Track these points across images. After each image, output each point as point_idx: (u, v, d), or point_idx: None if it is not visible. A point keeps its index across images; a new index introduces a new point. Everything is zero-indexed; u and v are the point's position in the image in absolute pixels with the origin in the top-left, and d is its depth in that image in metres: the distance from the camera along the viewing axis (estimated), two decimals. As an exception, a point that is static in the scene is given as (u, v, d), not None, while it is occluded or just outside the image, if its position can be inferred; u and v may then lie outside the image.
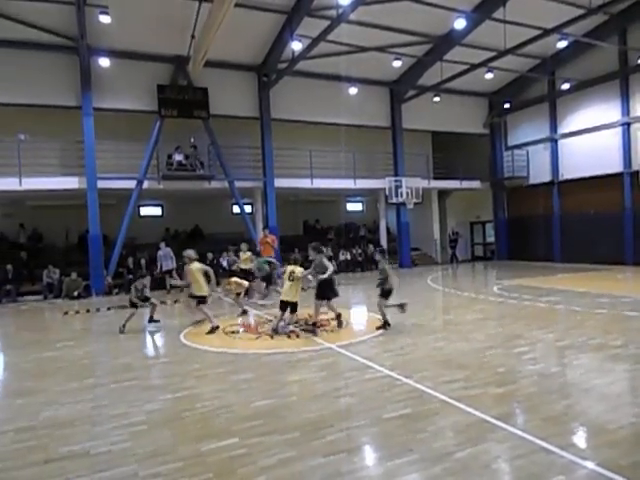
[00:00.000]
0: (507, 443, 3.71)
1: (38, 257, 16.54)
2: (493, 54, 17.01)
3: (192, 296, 8.55)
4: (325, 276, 7.75)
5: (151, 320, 9.27)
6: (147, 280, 9.84)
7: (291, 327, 8.03)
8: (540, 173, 20.89)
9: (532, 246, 21.24)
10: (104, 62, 14.86)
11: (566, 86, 18.69)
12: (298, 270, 7.77)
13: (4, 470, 3.60)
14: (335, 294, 8.16)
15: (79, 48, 14.32)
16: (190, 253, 8.66)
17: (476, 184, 22.33)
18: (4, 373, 6.76)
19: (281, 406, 4.64)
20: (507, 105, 21.42)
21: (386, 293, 7.85)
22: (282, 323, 7.95)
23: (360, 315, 10.19)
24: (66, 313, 11.72)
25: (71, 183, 15.15)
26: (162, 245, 15.63)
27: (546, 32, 14.82)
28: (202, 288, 8.42)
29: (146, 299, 9.09)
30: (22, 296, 14.95)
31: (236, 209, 19.34)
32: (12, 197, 16.13)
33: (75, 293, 14.48)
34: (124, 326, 8.70)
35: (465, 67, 17.75)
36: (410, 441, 3.78)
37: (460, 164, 21.68)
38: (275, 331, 7.80)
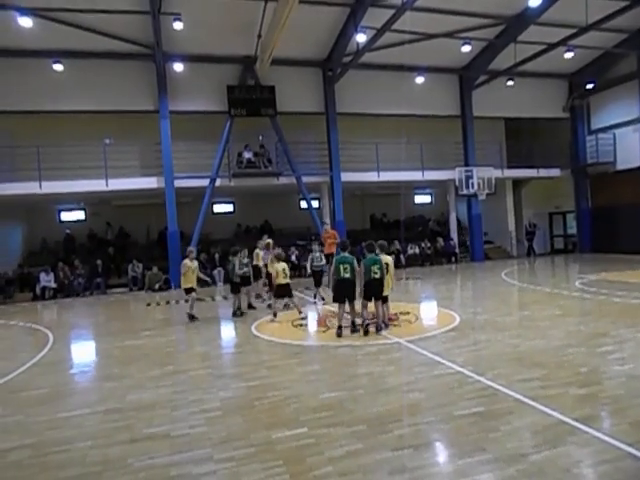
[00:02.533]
0: (589, 447, 3.47)
1: (124, 252, 17.87)
2: (573, 31, 15.88)
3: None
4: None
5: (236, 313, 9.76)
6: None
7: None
8: (629, 158, 19.13)
9: (619, 238, 19.52)
10: (178, 67, 15.67)
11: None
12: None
13: (95, 447, 3.95)
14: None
15: (155, 55, 15.20)
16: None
17: (555, 172, 20.92)
18: (96, 358, 7.39)
19: (349, 398, 4.67)
20: (590, 85, 19.83)
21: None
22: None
23: (429, 310, 9.97)
24: (149, 304, 12.58)
25: (150, 183, 16.17)
26: (264, 237, 13.28)
27: (633, 3, 13.53)
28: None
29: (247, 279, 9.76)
30: (110, 288, 16.26)
31: (303, 204, 19.63)
32: (99, 197, 17.52)
33: (156, 286, 15.49)
34: (239, 309, 9.67)
35: (541, 47, 16.73)
36: (482, 440, 3.65)
37: (536, 151, 20.40)
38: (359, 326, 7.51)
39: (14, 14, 12.67)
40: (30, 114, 15.54)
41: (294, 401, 4.67)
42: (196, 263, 9.80)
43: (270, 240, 11.25)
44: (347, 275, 7.37)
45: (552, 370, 5.16)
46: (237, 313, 9.68)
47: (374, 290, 7.28)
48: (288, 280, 8.99)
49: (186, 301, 10.01)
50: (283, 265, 9.03)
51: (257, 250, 11.25)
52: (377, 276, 7.24)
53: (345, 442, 3.74)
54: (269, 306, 10.05)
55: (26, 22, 12.78)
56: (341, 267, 7.39)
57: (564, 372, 5.08)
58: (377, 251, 7.57)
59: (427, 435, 3.84)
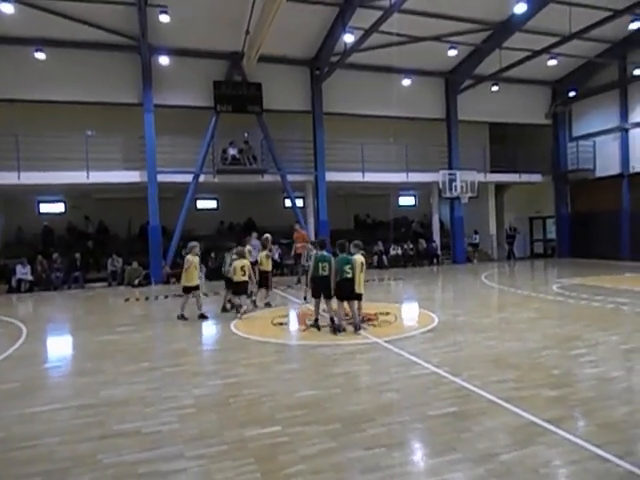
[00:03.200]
0: (558, 448, 3.53)
1: (103, 246, 17.59)
2: (557, 39, 16.15)
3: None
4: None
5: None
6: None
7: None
8: (608, 165, 19.56)
9: (597, 243, 19.93)
10: (164, 60, 15.47)
11: (638, 71, 17.33)
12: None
13: (64, 443, 3.87)
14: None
15: (140, 47, 14.99)
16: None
17: (537, 177, 21.27)
18: (70, 353, 7.26)
19: (324, 397, 4.66)
20: (572, 93, 20.21)
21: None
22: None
23: (408, 311, 10.03)
24: (127, 300, 12.40)
25: (133, 177, 15.94)
26: (254, 235, 13.76)
27: (617, 13, 13.83)
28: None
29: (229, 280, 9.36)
30: (89, 283, 15.98)
31: (288, 202, 19.57)
32: (80, 190, 17.20)
33: (136, 281, 15.29)
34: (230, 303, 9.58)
35: (526, 54, 16.96)
36: (454, 440, 3.68)
37: (519, 157, 20.70)
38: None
39: (-5, -1, 12.35)
40: (10, 102, 15.17)
41: (269, 399, 4.65)
42: (198, 259, 9.29)
43: (269, 235, 10.97)
44: (324, 273, 7.48)
45: (526, 372, 5.24)
46: (226, 308, 9.63)
47: (346, 290, 7.33)
48: (246, 278, 8.90)
49: (166, 297, 9.86)
50: (243, 262, 8.91)
51: (248, 247, 10.88)
52: (349, 276, 7.29)
53: (318, 440, 3.74)
54: (253, 302, 10.02)
55: (7, 8, 12.48)
56: (320, 265, 7.49)
57: (537, 374, 5.15)
58: (352, 250, 7.60)
59: (400, 434, 3.86)
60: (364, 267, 7.62)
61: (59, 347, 7.84)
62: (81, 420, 4.31)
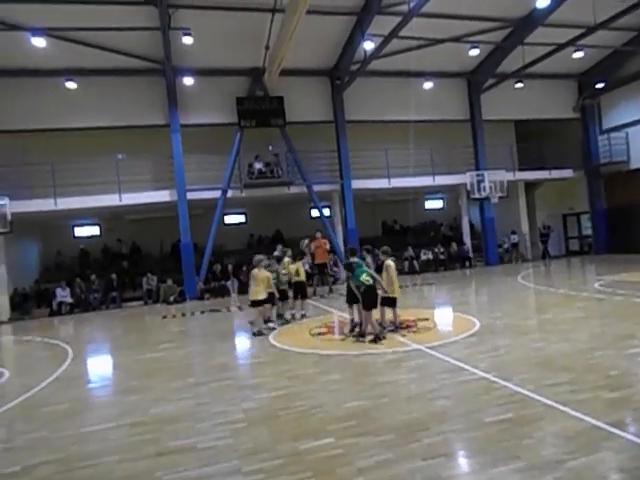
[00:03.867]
0: (627, 453, 3.36)
1: (137, 266, 17.98)
2: (582, 31, 15.79)
3: None
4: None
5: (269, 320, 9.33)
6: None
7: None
8: (643, 156, 18.91)
9: (636, 237, 19.19)
10: (188, 81, 15.85)
11: (670, 57, 16.79)
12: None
13: (122, 461, 3.92)
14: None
15: (165, 70, 15.40)
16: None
17: (568, 173, 20.72)
18: (116, 372, 7.40)
19: (373, 407, 4.60)
20: (600, 85, 19.67)
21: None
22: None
23: (447, 316, 9.86)
24: (164, 317, 12.61)
25: (163, 196, 16.30)
26: (279, 248, 14.65)
27: (644, 0, 13.43)
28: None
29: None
30: (125, 302, 16.35)
31: (314, 213, 19.63)
32: (113, 212, 17.70)
33: (171, 298, 15.54)
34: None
35: (550, 48, 16.65)
36: (515, 447, 3.56)
37: (548, 153, 20.25)
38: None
39: (27, 35, 12.93)
40: (44, 132, 15.79)
41: (319, 411, 4.61)
42: (265, 273, 8.71)
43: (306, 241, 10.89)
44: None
45: (580, 374, 5.05)
46: (286, 319, 9.65)
47: (370, 298, 7.33)
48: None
49: (202, 313, 9.91)
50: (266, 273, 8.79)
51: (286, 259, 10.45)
52: (369, 282, 7.27)
53: (374, 452, 3.68)
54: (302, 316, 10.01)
55: (39, 42, 13.02)
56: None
57: (593, 375, 4.96)
58: (381, 257, 7.78)
59: (458, 443, 3.77)
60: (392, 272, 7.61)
61: (104, 367, 8.01)
62: (135, 438, 4.36)
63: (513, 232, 20.68)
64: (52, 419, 5.10)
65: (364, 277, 7.30)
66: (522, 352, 6.12)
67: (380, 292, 7.50)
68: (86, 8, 12.91)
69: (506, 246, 20.67)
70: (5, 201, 14.48)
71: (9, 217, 14.46)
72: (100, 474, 3.73)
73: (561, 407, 4.21)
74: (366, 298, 7.32)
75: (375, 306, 7.43)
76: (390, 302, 7.77)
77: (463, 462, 3.49)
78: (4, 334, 12.79)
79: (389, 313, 7.95)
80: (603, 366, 5.24)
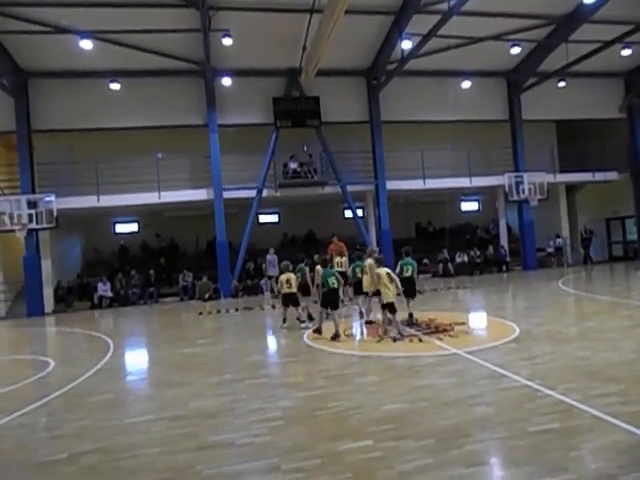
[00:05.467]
0: (686, 470, 3.18)
1: (174, 262, 18.40)
2: (630, 27, 15.13)
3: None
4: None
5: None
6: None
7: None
8: (695, 158, 17.96)
9: (687, 243, 18.27)
10: (226, 81, 16.11)
11: None
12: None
13: (164, 453, 4.00)
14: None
15: (204, 71, 15.69)
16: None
17: (612, 175, 19.92)
18: (155, 366, 7.58)
19: (412, 411, 4.53)
20: (649, 83, 18.82)
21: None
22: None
23: (484, 320, 9.63)
24: (200, 313, 12.85)
25: (200, 195, 16.63)
26: (271, 251, 16.39)
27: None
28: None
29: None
30: (162, 297, 16.74)
31: (348, 213, 19.58)
32: (152, 209, 18.17)
33: (206, 295, 15.83)
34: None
35: (595, 46, 16.03)
36: (563, 459, 3.42)
37: (591, 154, 19.51)
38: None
39: (76, 37, 13.44)
40: (89, 131, 16.38)
41: (356, 412, 4.58)
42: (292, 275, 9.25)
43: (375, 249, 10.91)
44: (407, 274, 8.51)
45: (631, 385, 4.82)
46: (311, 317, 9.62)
47: (334, 299, 8.02)
48: (293, 290, 9.18)
49: (236, 310, 10.03)
50: (288, 275, 9.17)
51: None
52: (334, 286, 7.98)
53: (414, 456, 3.61)
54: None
55: (87, 45, 13.52)
56: (404, 268, 8.52)
57: (645, 387, 4.73)
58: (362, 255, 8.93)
59: (501, 451, 3.66)
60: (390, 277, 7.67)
61: (144, 360, 8.23)
62: (176, 431, 4.45)
63: (557, 236, 20.05)
64: (96, 409, 5.26)
65: (332, 280, 7.95)
66: (566, 360, 5.90)
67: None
68: (130, 11, 13.32)
69: (550, 250, 20.05)
70: (52, 198, 15.10)
71: (55, 213, 15.07)
72: (143, 465, 3.82)
73: (611, 419, 4.02)
74: (325, 298, 7.99)
75: (335, 307, 7.97)
76: (385, 306, 7.67)
77: (508, 471, 3.38)
78: (49, 326, 13.34)
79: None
80: (655, 378, 5.00)
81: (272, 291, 15.40)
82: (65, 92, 15.65)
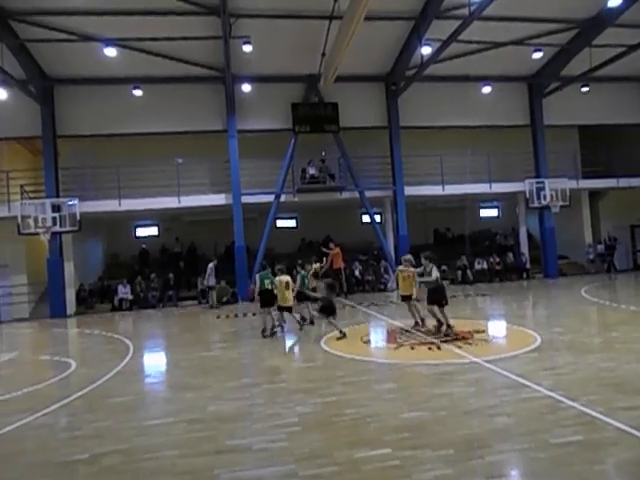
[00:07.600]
0: None
1: (193, 266, 18.58)
2: (657, 31, 14.81)
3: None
4: (427, 279, 8.50)
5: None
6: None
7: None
8: None
9: None
10: (246, 88, 16.28)
11: None
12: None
13: (183, 456, 4.04)
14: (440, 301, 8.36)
15: (225, 77, 15.87)
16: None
17: (638, 182, 19.44)
18: (174, 368, 7.66)
19: (431, 420, 4.48)
20: (676, 88, 18.36)
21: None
22: None
23: (504, 329, 9.48)
24: (218, 317, 12.94)
25: (219, 200, 16.79)
26: (214, 261, 15.76)
27: None
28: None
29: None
30: (181, 301, 16.91)
31: (365, 218, 19.53)
32: (172, 214, 18.41)
33: (224, 299, 15.92)
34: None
35: (620, 50, 15.70)
36: (587, 472, 3.35)
37: (615, 160, 19.09)
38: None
39: (100, 45, 13.75)
40: (111, 137, 16.71)
41: (374, 420, 4.55)
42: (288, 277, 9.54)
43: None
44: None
45: (658, 398, 4.69)
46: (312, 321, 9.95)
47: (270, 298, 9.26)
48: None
49: (254, 315, 10.09)
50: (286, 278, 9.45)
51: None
52: (269, 287, 9.30)
53: (432, 466, 3.58)
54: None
55: (110, 52, 13.83)
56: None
57: (672, 401, 4.60)
58: (422, 262, 8.76)
59: (522, 463, 3.60)
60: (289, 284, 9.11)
61: (163, 363, 8.32)
62: (194, 434, 4.48)
63: (599, 242, 19.75)
64: (116, 410, 5.34)
65: (267, 282, 9.37)
66: (590, 371, 5.77)
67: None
68: (153, 19, 13.55)
69: (591, 256, 19.74)
70: (75, 201, 15.43)
71: (78, 216, 15.38)
72: (163, 467, 3.86)
73: (637, 432, 3.92)
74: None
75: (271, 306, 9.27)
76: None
77: (529, 484, 3.32)
78: (70, 327, 13.60)
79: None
80: (683, 391, 4.85)
81: (209, 302, 15.40)
82: (89, 98, 16.00)
